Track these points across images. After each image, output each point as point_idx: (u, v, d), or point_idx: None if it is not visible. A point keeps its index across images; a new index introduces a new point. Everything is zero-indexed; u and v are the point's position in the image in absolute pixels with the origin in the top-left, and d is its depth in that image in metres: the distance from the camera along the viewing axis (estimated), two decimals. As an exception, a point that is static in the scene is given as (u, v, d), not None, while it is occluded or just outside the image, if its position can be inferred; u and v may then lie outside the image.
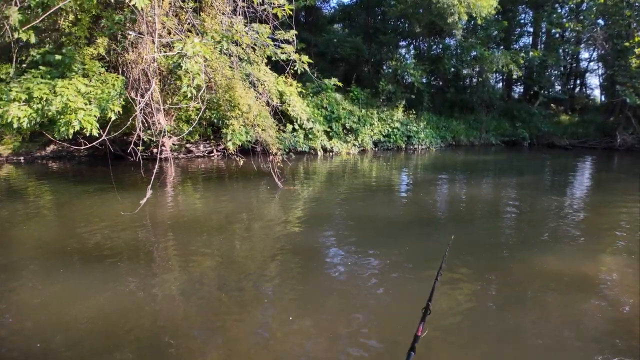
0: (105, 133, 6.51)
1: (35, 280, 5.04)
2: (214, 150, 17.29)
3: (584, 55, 29.95)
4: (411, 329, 3.92)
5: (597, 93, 31.57)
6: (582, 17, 24.02)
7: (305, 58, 9.46)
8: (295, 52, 9.52)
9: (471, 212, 8.58)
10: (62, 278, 5.06)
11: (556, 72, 27.82)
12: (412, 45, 27.41)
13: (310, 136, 17.78)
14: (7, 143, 16.16)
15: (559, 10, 25.73)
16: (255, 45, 9.89)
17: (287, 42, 9.78)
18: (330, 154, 18.29)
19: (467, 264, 5.45)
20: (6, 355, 3.52)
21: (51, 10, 7.47)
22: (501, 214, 8.56)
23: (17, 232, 7.05)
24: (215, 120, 15.04)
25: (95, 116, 7.95)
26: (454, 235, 5.24)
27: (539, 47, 27.43)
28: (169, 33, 9.51)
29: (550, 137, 24.31)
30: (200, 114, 10.14)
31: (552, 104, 28.57)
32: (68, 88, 7.88)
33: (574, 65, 30.46)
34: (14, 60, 8.60)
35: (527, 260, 5.62)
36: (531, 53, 23.70)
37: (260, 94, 10.70)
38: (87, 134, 7.90)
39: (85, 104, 7.94)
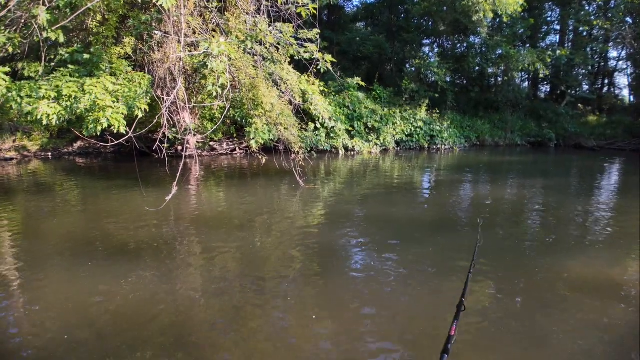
0: (131, 130, 6.64)
1: (62, 273, 5.19)
2: (237, 149, 17.45)
3: (613, 54, 29.16)
4: (432, 331, 3.93)
5: (625, 93, 30.71)
6: (610, 15, 23.35)
7: (328, 57, 9.47)
8: (319, 51, 9.53)
9: (495, 214, 8.46)
10: (88, 270, 5.19)
11: (584, 71, 27.17)
12: (435, 44, 27.19)
13: (332, 135, 17.78)
14: (35, 139, 16.65)
15: (587, 8, 25.09)
16: (278, 44, 9.95)
17: (310, 41, 9.81)
18: (352, 153, 18.26)
19: (490, 267, 5.38)
20: (34, 347, 3.63)
21: (80, 11, 7.64)
22: (525, 217, 8.42)
23: (45, 225, 7.25)
24: (238, 119, 15.18)
25: (122, 114, 8.10)
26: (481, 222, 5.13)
27: (566, 45, 26.85)
28: (194, 33, 9.63)
29: (577, 138, 23.73)
30: (225, 112, 10.24)
31: (579, 104, 27.94)
32: (96, 86, 8.04)
33: (602, 64, 29.64)
34: (43, 59, 8.81)
35: (552, 264, 5.52)
36: (558, 51, 23.14)
37: (283, 92, 10.76)
38: (115, 131, 8.06)
39: (113, 102, 8.09)
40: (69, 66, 8.61)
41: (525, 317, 4.17)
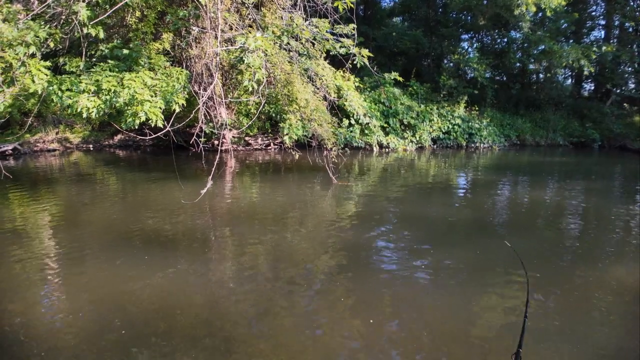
0: (169, 124, 6.72)
1: (99, 261, 5.33)
2: (272, 144, 17.54)
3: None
4: (462, 337, 3.78)
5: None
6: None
7: (365, 51, 9.32)
8: (355, 46, 9.40)
9: (533, 218, 8.13)
10: (125, 260, 5.32)
11: (630, 69, 25.78)
12: (475, 39, 26.39)
13: (366, 132, 17.59)
14: (77, 132, 17.25)
15: (632, 3, 23.74)
16: (314, 39, 9.87)
17: (347, 36, 9.68)
18: (386, 150, 18.02)
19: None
20: (68, 332, 3.71)
21: (118, 6, 7.79)
22: (565, 221, 8.05)
23: (85, 214, 7.46)
24: (273, 115, 15.25)
25: (160, 108, 8.21)
26: (512, 246, 4.93)
27: (611, 41, 25.53)
28: (231, 29, 9.67)
29: (623, 139, 22.48)
30: (260, 108, 10.26)
31: (625, 104, 26.58)
32: (135, 81, 8.17)
33: (650, 62, 28.14)
34: (84, 54, 9.01)
35: (594, 272, 5.25)
36: (604, 48, 21.99)
37: (318, 88, 10.68)
38: (152, 125, 8.19)
39: (151, 96, 8.21)
40: (109, 61, 8.78)
41: (564, 325, 3.97)
